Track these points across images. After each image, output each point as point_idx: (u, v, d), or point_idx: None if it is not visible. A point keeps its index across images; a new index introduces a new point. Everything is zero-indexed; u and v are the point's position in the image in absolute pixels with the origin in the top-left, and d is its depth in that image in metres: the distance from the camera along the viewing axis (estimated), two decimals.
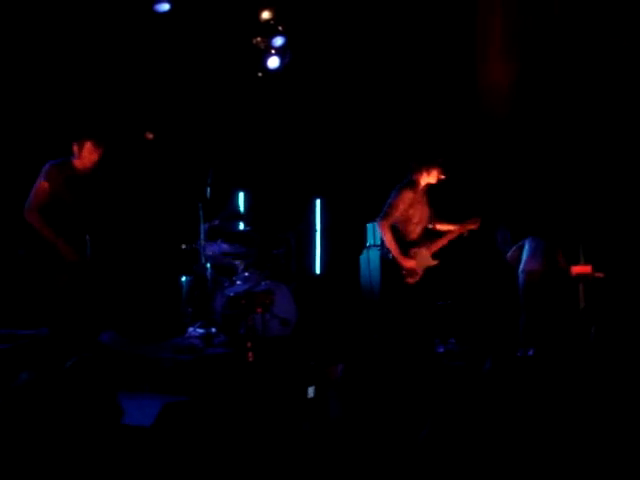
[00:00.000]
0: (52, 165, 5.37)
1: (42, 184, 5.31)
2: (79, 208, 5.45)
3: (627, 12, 7.68)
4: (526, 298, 7.30)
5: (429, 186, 5.99)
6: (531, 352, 6.71)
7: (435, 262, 5.84)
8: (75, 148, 5.42)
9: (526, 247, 7.38)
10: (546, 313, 7.15)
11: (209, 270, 7.07)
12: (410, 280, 5.71)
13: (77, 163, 5.44)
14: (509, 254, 7.58)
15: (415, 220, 5.82)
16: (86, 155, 5.41)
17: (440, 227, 6.18)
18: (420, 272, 5.75)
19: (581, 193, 7.95)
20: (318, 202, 9.41)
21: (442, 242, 5.99)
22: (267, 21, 8.01)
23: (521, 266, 7.35)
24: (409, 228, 5.80)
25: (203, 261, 7.16)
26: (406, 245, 5.72)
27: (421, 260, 5.77)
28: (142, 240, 7.82)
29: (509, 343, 7.03)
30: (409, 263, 5.71)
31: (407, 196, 5.76)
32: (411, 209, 5.78)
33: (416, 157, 6.03)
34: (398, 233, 5.71)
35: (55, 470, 2.40)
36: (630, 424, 3.18)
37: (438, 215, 6.23)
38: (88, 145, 5.41)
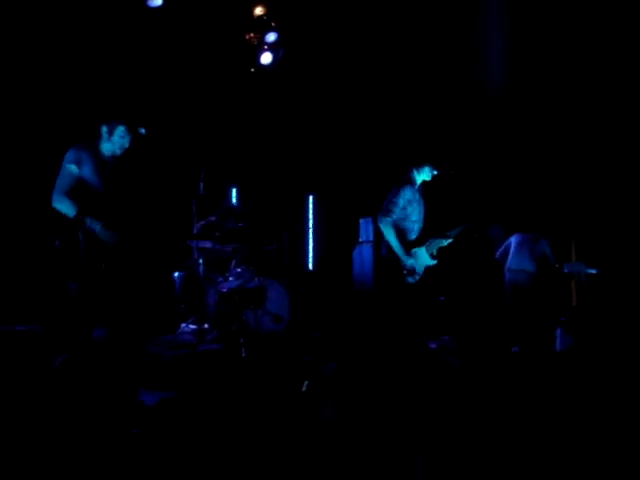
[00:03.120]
0: (80, 147, 4.95)
1: (68, 167, 4.89)
2: (108, 195, 5.00)
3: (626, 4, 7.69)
4: (512, 295, 7.33)
5: (424, 185, 5.98)
6: (516, 349, 6.76)
7: (434, 262, 5.83)
8: (104, 130, 5.03)
9: (512, 244, 7.40)
10: (533, 310, 7.17)
11: (202, 266, 7.06)
12: (410, 280, 5.71)
13: (105, 147, 5.05)
14: (498, 253, 7.61)
15: (413, 218, 5.81)
16: (117, 139, 5.03)
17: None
18: (421, 272, 5.75)
19: (574, 189, 7.97)
20: (311, 198, 9.42)
21: (440, 243, 5.97)
22: (260, 17, 8.00)
23: (507, 264, 7.38)
24: (407, 226, 5.79)
25: (196, 257, 7.16)
26: (406, 245, 5.71)
27: (421, 260, 5.76)
28: (135, 236, 7.81)
29: (502, 340, 7.07)
30: (412, 264, 5.70)
31: (406, 193, 5.76)
32: (409, 207, 5.78)
33: (406, 157, 6.03)
34: (398, 232, 5.70)
35: (50, 463, 2.40)
36: (620, 420, 3.20)
37: (431, 213, 6.22)
38: (120, 128, 5.04)
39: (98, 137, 5.06)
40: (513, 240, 7.42)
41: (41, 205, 5.20)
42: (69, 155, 4.91)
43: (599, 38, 7.72)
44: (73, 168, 4.88)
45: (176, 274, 7.32)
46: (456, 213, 6.34)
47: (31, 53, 6.99)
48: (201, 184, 6.98)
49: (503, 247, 7.53)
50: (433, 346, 6.81)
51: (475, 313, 7.71)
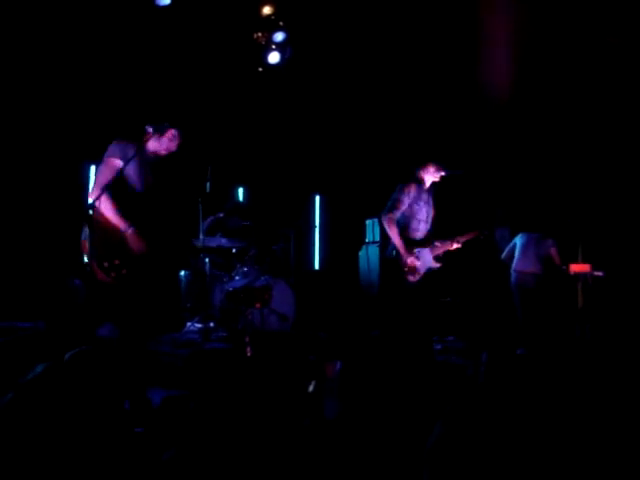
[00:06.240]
0: (127, 142, 4.60)
1: (112, 161, 4.49)
2: (146, 197, 4.69)
3: (627, 8, 7.67)
4: (518, 296, 7.31)
5: (434, 186, 5.96)
6: (521, 351, 6.74)
7: (438, 265, 5.81)
8: (155, 128, 4.74)
9: (517, 245, 7.38)
10: (539, 311, 7.15)
11: (208, 265, 7.07)
12: (411, 278, 5.69)
13: (151, 145, 4.75)
14: (504, 254, 7.59)
15: (419, 217, 5.79)
16: (166, 141, 4.76)
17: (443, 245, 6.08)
18: (422, 272, 5.74)
19: (581, 191, 7.96)
20: (317, 198, 9.43)
21: (446, 247, 5.95)
22: (268, 16, 8.01)
23: (513, 265, 7.36)
24: (413, 225, 5.76)
25: (202, 256, 7.16)
26: (410, 243, 5.69)
27: (424, 261, 5.74)
28: (160, 244, 7.83)
29: (507, 341, 7.05)
30: (412, 261, 5.67)
31: (412, 190, 5.73)
32: (416, 205, 5.76)
33: (411, 158, 6.04)
34: (402, 230, 5.69)
35: (57, 463, 2.41)
36: (625, 423, 3.19)
37: (440, 215, 6.21)
38: (172, 131, 4.79)
39: (146, 134, 4.76)
40: (518, 241, 7.40)
41: (53, 201, 5.16)
42: (114, 149, 4.55)
43: (606, 39, 7.70)
44: (118, 163, 4.51)
45: (182, 273, 7.33)
46: (464, 216, 6.34)
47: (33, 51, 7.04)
48: (208, 183, 6.99)
49: (509, 248, 7.52)
50: (439, 347, 6.80)
51: (481, 314, 7.70)
